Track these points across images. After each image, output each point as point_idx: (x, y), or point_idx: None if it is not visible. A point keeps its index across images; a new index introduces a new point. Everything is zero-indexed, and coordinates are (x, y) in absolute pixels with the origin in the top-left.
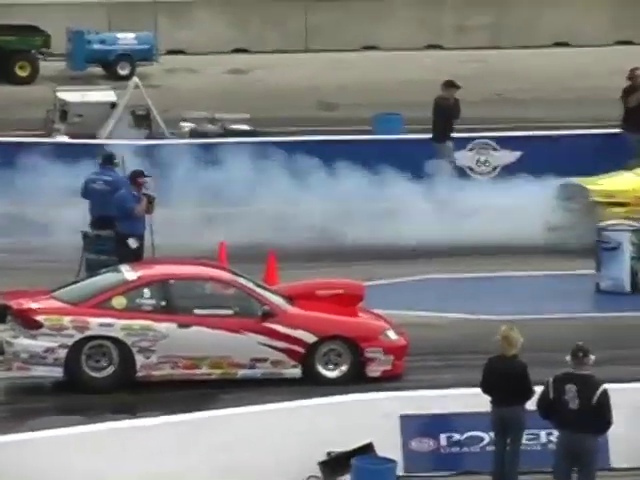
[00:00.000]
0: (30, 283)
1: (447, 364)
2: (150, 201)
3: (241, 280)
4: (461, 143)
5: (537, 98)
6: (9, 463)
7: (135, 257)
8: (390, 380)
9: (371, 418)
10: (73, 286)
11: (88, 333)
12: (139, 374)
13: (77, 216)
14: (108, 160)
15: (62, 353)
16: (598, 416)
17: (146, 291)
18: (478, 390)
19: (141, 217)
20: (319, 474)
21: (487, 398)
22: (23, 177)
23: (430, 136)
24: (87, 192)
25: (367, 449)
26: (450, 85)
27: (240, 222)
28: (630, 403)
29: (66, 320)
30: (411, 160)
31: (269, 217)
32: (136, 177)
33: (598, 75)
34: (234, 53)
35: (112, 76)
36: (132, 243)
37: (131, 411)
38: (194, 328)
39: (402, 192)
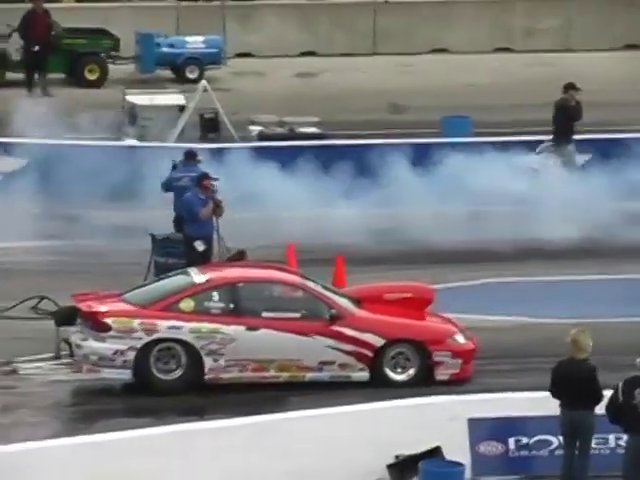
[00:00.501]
0: (99, 286)
1: (515, 367)
2: (217, 204)
3: (309, 283)
4: (531, 146)
5: (606, 101)
6: (79, 464)
7: (203, 260)
8: (458, 384)
9: (439, 421)
10: (142, 289)
11: (157, 336)
12: (207, 377)
13: (144, 218)
14: (191, 157)
15: (131, 355)
16: None
17: (215, 294)
18: (547, 394)
19: (208, 220)
20: (387, 477)
21: (556, 402)
22: (96, 180)
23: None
24: (171, 189)
25: (435, 452)
26: (571, 87)
27: (307, 225)
28: None
29: (135, 323)
30: (487, 162)
31: (336, 220)
32: (203, 180)
33: None
34: (302, 56)
35: (181, 79)
36: (199, 245)
37: (199, 413)
38: (262, 331)
39: (477, 194)
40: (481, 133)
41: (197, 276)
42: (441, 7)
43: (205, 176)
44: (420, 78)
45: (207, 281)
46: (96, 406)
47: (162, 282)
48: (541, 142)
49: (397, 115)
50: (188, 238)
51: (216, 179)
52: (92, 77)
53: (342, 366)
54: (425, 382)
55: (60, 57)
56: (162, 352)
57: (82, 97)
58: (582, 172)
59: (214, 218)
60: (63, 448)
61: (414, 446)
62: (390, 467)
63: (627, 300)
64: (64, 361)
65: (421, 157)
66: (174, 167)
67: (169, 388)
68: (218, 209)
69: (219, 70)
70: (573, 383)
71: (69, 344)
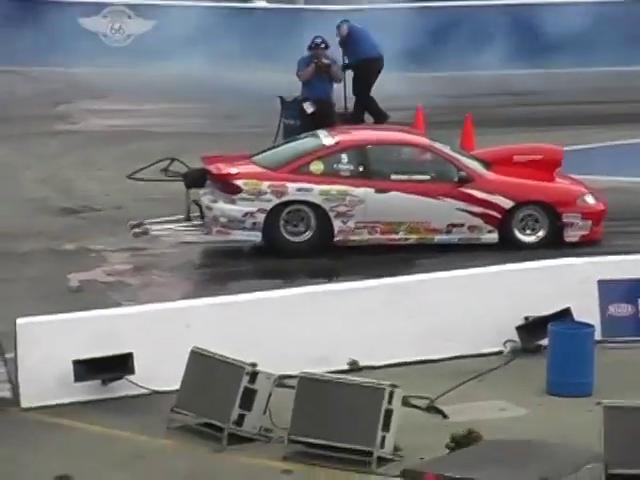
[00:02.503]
0: (230, 148)
1: None
2: (322, 68)
3: (438, 145)
4: None
5: None
6: (208, 324)
7: (313, 121)
8: (588, 245)
9: (569, 283)
10: (271, 151)
11: (286, 198)
12: (336, 239)
13: (275, 80)
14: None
15: (260, 217)
16: None
17: (344, 156)
18: None
19: (318, 82)
20: (516, 339)
21: None
22: (223, 42)
23: None
24: None
25: (565, 314)
26: None
27: (437, 86)
28: None
29: (264, 185)
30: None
31: (466, 82)
32: (312, 43)
33: None
34: None
35: None
36: (307, 107)
37: (328, 275)
38: (391, 193)
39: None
40: None
41: (326, 138)
42: None
43: (312, 40)
44: None
45: (336, 143)
46: (226, 268)
47: (291, 144)
48: None
49: None
50: (302, 100)
51: (321, 43)
52: None
53: (471, 228)
54: (554, 244)
55: None
56: (291, 214)
57: None
58: None
59: (329, 81)
60: (193, 308)
61: (543, 308)
62: (519, 329)
63: None
64: (194, 223)
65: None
66: None
67: (298, 250)
68: (329, 73)
69: None
70: None
71: (199, 206)
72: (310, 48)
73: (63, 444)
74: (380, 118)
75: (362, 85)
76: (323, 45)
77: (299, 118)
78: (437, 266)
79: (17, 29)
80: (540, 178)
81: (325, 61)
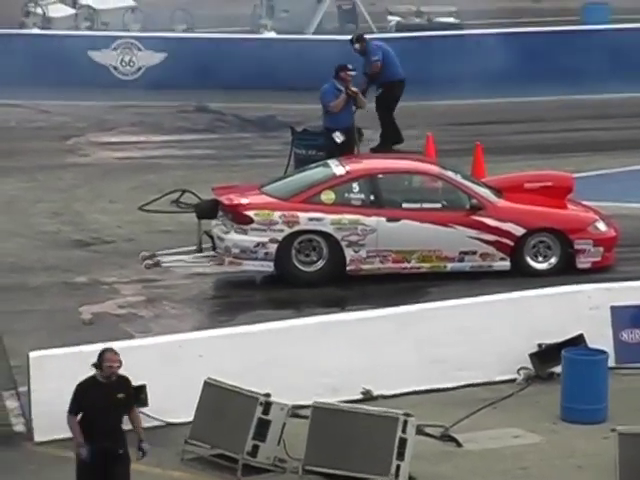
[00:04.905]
0: (240, 178)
1: None
2: (351, 95)
3: (449, 173)
4: None
5: None
6: (221, 355)
7: (341, 151)
8: (600, 271)
9: (581, 310)
10: (282, 181)
11: (298, 228)
12: (348, 268)
13: (284, 111)
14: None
15: (272, 248)
16: None
17: (355, 185)
18: None
19: (345, 111)
20: (530, 366)
21: None
22: (232, 73)
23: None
24: None
25: (578, 340)
26: None
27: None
28: None
29: (276, 215)
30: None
31: (476, 110)
32: (339, 71)
33: None
34: None
35: None
36: (337, 137)
37: (340, 305)
38: (403, 222)
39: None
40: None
41: (337, 168)
42: None
43: (342, 67)
44: None
45: (347, 172)
46: (238, 298)
47: (302, 174)
48: None
49: (535, 3)
50: (326, 129)
51: (353, 69)
52: None
53: (483, 256)
54: (566, 271)
55: None
56: (303, 244)
57: None
58: None
59: (353, 109)
60: (206, 339)
61: (557, 335)
62: (533, 356)
63: None
64: (206, 254)
65: (563, 44)
66: None
67: (310, 280)
68: (356, 101)
69: None
70: None
71: (211, 237)
72: (338, 76)
73: None
74: (387, 144)
75: (386, 106)
76: (353, 72)
77: (311, 148)
78: (449, 294)
79: (27, 62)
80: (551, 205)
81: (354, 89)
